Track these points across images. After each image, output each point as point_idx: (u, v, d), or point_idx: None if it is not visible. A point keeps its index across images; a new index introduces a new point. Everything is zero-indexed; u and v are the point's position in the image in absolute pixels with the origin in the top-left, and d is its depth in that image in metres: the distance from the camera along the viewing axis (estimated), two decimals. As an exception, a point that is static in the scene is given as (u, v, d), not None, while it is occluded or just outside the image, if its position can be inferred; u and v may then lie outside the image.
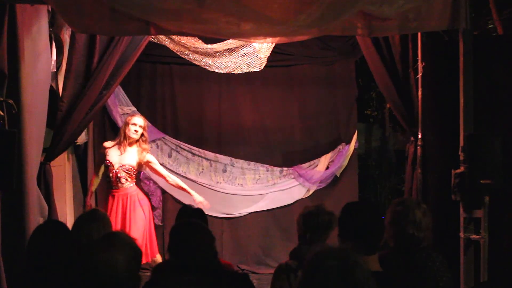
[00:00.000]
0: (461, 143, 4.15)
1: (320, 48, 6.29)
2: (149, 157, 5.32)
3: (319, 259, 1.75)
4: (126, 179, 5.15)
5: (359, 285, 1.72)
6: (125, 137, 5.20)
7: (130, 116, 5.33)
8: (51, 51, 4.44)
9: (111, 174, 5.14)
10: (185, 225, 2.67)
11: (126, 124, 5.24)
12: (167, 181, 5.44)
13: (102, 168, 5.27)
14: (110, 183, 5.15)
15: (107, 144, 5.26)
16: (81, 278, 2.10)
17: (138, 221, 5.11)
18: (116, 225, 5.01)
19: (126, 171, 5.14)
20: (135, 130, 5.18)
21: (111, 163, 5.14)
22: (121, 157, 5.17)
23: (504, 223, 2.33)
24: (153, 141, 6.23)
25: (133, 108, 6.19)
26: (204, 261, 2.46)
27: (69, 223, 4.29)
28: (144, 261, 4.92)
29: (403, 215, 2.81)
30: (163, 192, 6.27)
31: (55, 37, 4.58)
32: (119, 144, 5.21)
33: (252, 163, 6.38)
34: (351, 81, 6.57)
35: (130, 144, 5.22)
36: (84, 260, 2.12)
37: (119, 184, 5.14)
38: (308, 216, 3.37)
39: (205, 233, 2.57)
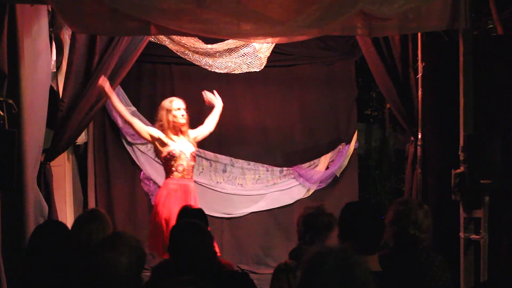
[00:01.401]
0: (461, 143, 4.15)
1: (320, 48, 6.29)
2: (194, 133, 4.96)
3: (318, 258, 1.75)
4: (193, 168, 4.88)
5: (359, 285, 1.72)
6: (170, 126, 4.77)
7: (168, 102, 4.80)
8: (51, 51, 4.44)
9: (184, 163, 4.73)
10: (185, 226, 2.67)
11: (168, 111, 4.75)
12: (208, 129, 5.05)
13: (139, 123, 4.86)
14: (182, 175, 4.75)
15: (160, 134, 4.77)
16: (83, 278, 2.10)
17: None
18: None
19: (194, 160, 4.86)
20: (182, 115, 4.80)
21: (181, 151, 4.72)
22: (184, 146, 4.78)
23: (504, 223, 2.33)
24: (153, 141, 6.24)
25: (133, 108, 6.18)
26: (204, 261, 2.46)
27: (69, 223, 4.29)
28: None
29: (405, 215, 2.82)
30: (163, 192, 6.26)
31: (55, 37, 4.58)
32: (166, 135, 4.76)
33: (252, 163, 6.37)
34: (351, 81, 6.57)
35: (176, 132, 4.77)
36: (87, 261, 2.13)
37: (191, 174, 4.82)
38: (308, 217, 3.37)
39: (204, 233, 2.57)
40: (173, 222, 4.46)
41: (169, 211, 4.60)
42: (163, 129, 4.78)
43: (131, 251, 2.14)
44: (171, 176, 4.75)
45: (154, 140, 4.79)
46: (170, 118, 4.76)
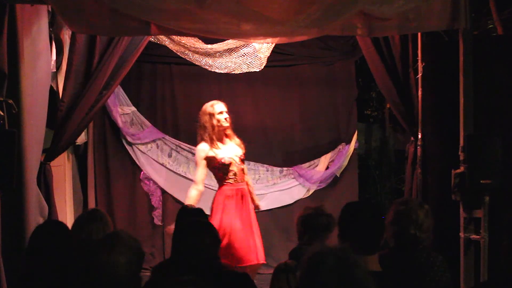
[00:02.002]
0: (461, 143, 4.15)
1: (320, 48, 6.29)
2: (242, 146, 4.83)
3: (318, 258, 1.75)
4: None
5: (357, 285, 1.72)
6: (215, 131, 4.64)
7: (210, 107, 4.67)
8: (51, 51, 4.44)
9: (235, 168, 4.64)
10: (186, 225, 2.67)
11: (211, 116, 4.63)
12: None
13: (203, 174, 4.67)
14: (235, 180, 4.65)
15: (205, 146, 4.64)
16: (82, 279, 2.11)
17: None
18: (249, 225, 4.62)
19: (243, 162, 4.73)
20: (226, 118, 4.67)
21: (230, 158, 4.61)
22: (232, 151, 4.67)
23: (504, 223, 2.34)
24: (153, 141, 6.24)
25: (133, 108, 6.19)
26: (204, 261, 2.46)
27: (69, 223, 4.30)
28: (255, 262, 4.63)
29: (405, 215, 2.82)
30: (163, 192, 6.27)
31: (55, 37, 4.58)
32: (210, 143, 4.63)
33: (252, 163, 6.36)
34: (351, 81, 6.57)
35: (221, 136, 4.66)
36: (85, 261, 2.13)
37: (242, 177, 4.71)
38: (306, 218, 3.38)
39: (205, 234, 2.56)
40: (234, 228, 4.50)
41: (228, 217, 4.55)
42: (207, 135, 4.64)
43: (130, 251, 2.15)
44: (225, 183, 4.66)
45: (207, 163, 4.66)
46: (214, 122, 4.63)
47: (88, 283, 2.08)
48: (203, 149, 4.64)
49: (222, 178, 4.68)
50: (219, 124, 4.66)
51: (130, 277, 2.12)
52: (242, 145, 4.85)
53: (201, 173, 4.66)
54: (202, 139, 4.69)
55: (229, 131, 4.76)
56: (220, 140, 4.70)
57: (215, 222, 4.53)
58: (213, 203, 4.70)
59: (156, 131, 6.24)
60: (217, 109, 4.67)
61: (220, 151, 4.64)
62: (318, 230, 3.33)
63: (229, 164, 4.63)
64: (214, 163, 4.64)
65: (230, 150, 4.71)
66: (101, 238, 2.79)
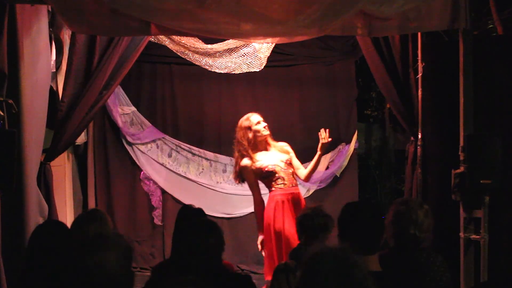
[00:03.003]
0: (461, 143, 4.15)
1: (320, 48, 6.29)
2: (288, 147, 4.74)
3: (317, 259, 1.75)
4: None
5: (357, 285, 1.72)
6: (251, 143, 4.53)
7: (245, 120, 4.58)
8: (51, 51, 4.44)
9: (282, 174, 4.52)
10: (186, 225, 2.67)
11: (248, 129, 4.53)
12: (297, 175, 4.68)
13: (259, 189, 4.62)
14: (284, 185, 4.52)
15: (247, 161, 4.53)
16: (76, 280, 2.11)
17: None
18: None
19: (290, 166, 4.58)
20: (264, 127, 4.57)
21: (274, 164, 4.51)
22: (275, 157, 4.56)
23: (504, 223, 2.34)
24: (153, 141, 6.24)
25: (133, 108, 6.19)
26: (204, 261, 2.45)
27: (69, 223, 4.30)
28: None
29: (405, 215, 2.81)
30: (163, 192, 6.27)
31: (55, 37, 4.58)
32: (249, 156, 4.52)
33: (252, 163, 6.37)
34: (351, 81, 6.57)
35: (263, 146, 4.57)
36: (76, 262, 2.14)
37: (293, 181, 4.59)
38: (303, 218, 3.39)
39: (206, 234, 2.54)
40: (286, 234, 4.32)
41: (280, 225, 4.41)
42: (244, 149, 4.55)
43: (118, 247, 2.16)
44: (274, 188, 4.55)
45: (255, 175, 4.58)
46: (251, 135, 4.53)
47: (88, 282, 2.09)
48: (246, 164, 4.54)
49: (270, 185, 4.57)
50: (259, 134, 4.55)
51: (123, 272, 2.13)
52: (288, 146, 4.75)
53: (256, 188, 4.62)
54: (242, 155, 4.58)
55: (270, 140, 4.65)
56: (264, 149, 4.61)
57: (268, 230, 4.46)
58: (264, 210, 4.57)
59: (156, 131, 6.24)
60: (254, 120, 4.57)
61: (263, 161, 4.54)
62: (315, 230, 3.34)
63: (274, 172, 4.51)
64: (260, 173, 4.55)
65: (273, 156, 4.59)
66: (88, 241, 2.79)
